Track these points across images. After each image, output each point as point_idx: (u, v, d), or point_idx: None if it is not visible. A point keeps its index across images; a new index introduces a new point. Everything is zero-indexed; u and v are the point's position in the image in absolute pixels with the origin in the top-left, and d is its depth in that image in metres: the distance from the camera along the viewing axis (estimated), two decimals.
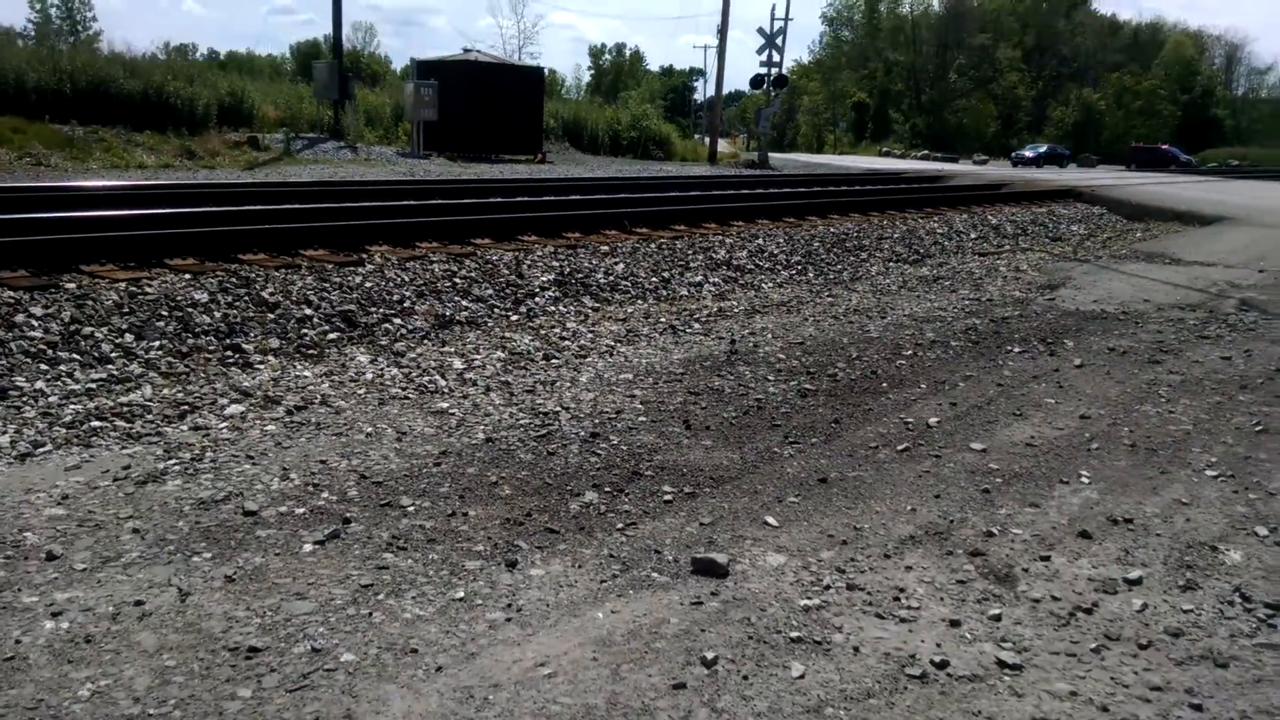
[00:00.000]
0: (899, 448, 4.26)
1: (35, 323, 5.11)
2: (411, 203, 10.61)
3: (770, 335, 6.48)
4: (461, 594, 2.80)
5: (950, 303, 7.99)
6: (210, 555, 2.96)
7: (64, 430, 4.02)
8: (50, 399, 4.42)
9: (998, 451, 4.26)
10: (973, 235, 13.20)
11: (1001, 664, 2.53)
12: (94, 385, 4.64)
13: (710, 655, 2.50)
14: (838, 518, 3.48)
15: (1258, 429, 4.67)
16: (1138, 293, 8.78)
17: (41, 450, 3.80)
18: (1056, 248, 12.67)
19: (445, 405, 4.61)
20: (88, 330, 5.18)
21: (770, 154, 38.97)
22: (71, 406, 4.32)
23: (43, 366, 4.75)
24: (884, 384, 5.34)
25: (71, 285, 5.74)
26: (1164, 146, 58.48)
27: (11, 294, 5.42)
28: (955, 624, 2.74)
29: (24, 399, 4.39)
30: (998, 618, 2.78)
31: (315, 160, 21.49)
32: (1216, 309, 8.02)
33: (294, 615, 2.63)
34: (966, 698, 2.37)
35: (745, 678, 2.42)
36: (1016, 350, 6.25)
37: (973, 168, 42.54)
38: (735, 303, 7.79)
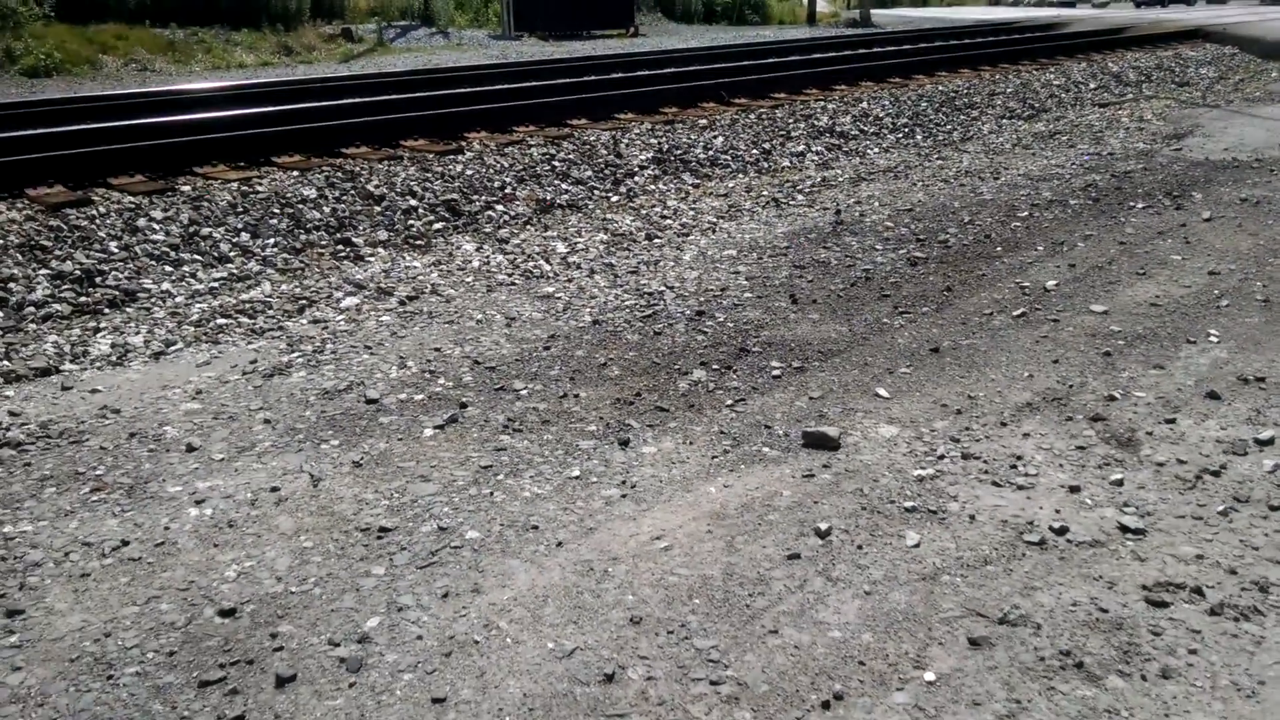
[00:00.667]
0: (1015, 313, 4.15)
1: (156, 226, 5.31)
2: (506, 86, 10.53)
3: (877, 203, 6.31)
4: (577, 472, 2.87)
5: (1068, 159, 7.62)
6: (338, 442, 3.09)
7: (192, 328, 4.21)
8: (177, 299, 4.61)
9: (1120, 313, 4.11)
10: (1092, 85, 12.48)
11: (1124, 529, 2.49)
12: (216, 284, 4.83)
13: (824, 526, 2.52)
14: (951, 387, 3.43)
15: None
16: (1272, 138, 8.22)
17: (173, 349, 3.99)
18: (1184, 93, 11.90)
19: (551, 290, 4.65)
20: (206, 231, 5.36)
21: (872, 10, 37.24)
22: (197, 305, 4.51)
23: (167, 268, 4.95)
24: (998, 248, 5.16)
25: (187, 188, 5.92)
26: None
27: (132, 199, 5.62)
28: (1075, 490, 2.69)
29: (152, 300, 4.60)
30: (1120, 483, 2.72)
31: (409, 49, 21.44)
32: None
33: (419, 497, 2.74)
34: (1087, 563, 2.35)
35: (859, 547, 2.44)
36: (1140, 206, 5.95)
37: (1092, 11, 39.93)
38: (839, 171, 7.58)
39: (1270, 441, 2.94)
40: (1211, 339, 3.79)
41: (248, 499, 2.74)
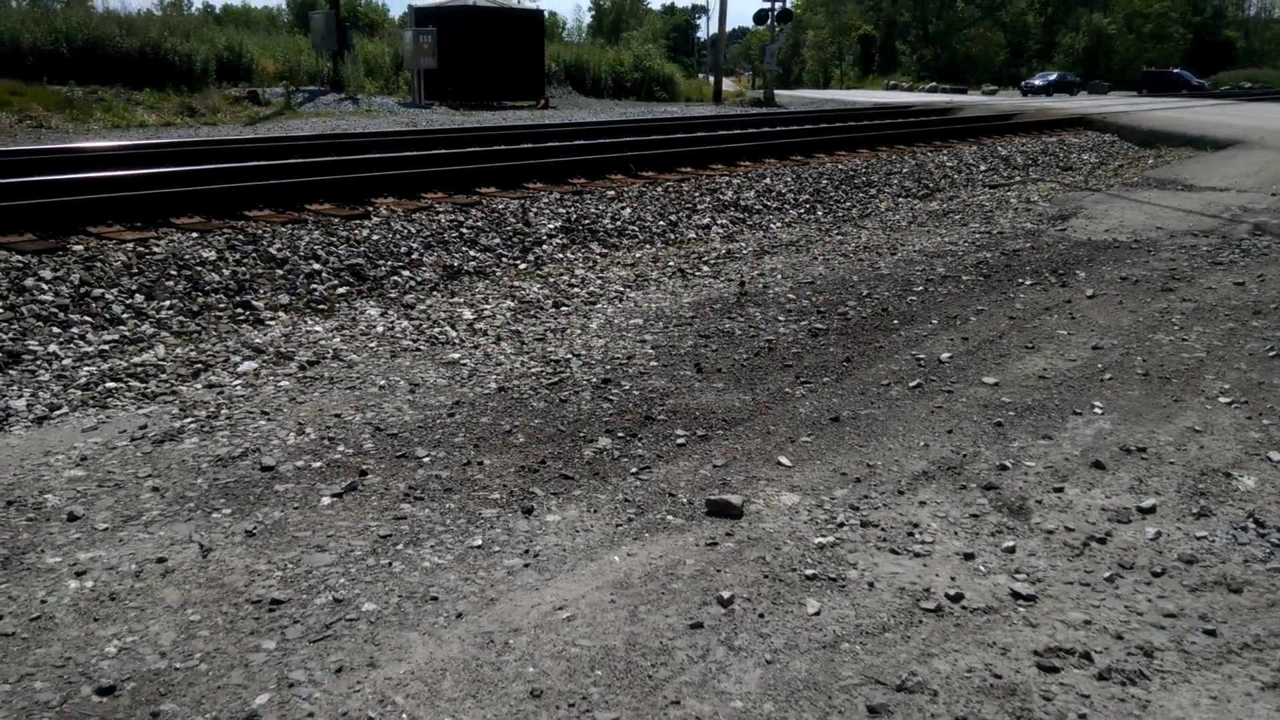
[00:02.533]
0: (911, 384, 4.26)
1: (45, 286, 5.13)
2: (415, 153, 10.54)
3: (780, 275, 6.45)
4: (479, 541, 2.83)
5: (961, 237, 7.93)
6: (230, 511, 2.99)
7: (79, 392, 4.05)
8: (64, 362, 4.44)
9: (1010, 385, 4.26)
10: (982, 167, 13.05)
11: (1016, 595, 2.55)
12: (107, 346, 4.67)
13: (726, 595, 2.52)
14: (850, 456, 3.49)
15: (1271, 354, 4.64)
16: (1150, 220, 8.69)
17: (58, 413, 3.83)
18: (1068, 177, 12.52)
19: (457, 356, 4.62)
20: (98, 292, 5.20)
21: (776, 91, 38.48)
22: (85, 368, 4.35)
23: (55, 330, 4.77)
24: (895, 321, 5.32)
25: (79, 247, 5.74)
26: (1175, 70, 57.55)
27: (20, 258, 5.43)
28: (969, 557, 2.75)
29: (38, 363, 4.42)
30: (1011, 550, 2.80)
31: (316, 113, 21.34)
32: (1230, 235, 7.94)
33: (315, 567, 2.66)
34: (981, 629, 2.40)
35: (761, 616, 2.45)
36: (1028, 283, 6.22)
37: (982, 98, 41.96)
38: (744, 244, 7.75)
39: (1152, 510, 3.06)
40: (1096, 410, 3.94)
41: (132, 570, 2.63)
